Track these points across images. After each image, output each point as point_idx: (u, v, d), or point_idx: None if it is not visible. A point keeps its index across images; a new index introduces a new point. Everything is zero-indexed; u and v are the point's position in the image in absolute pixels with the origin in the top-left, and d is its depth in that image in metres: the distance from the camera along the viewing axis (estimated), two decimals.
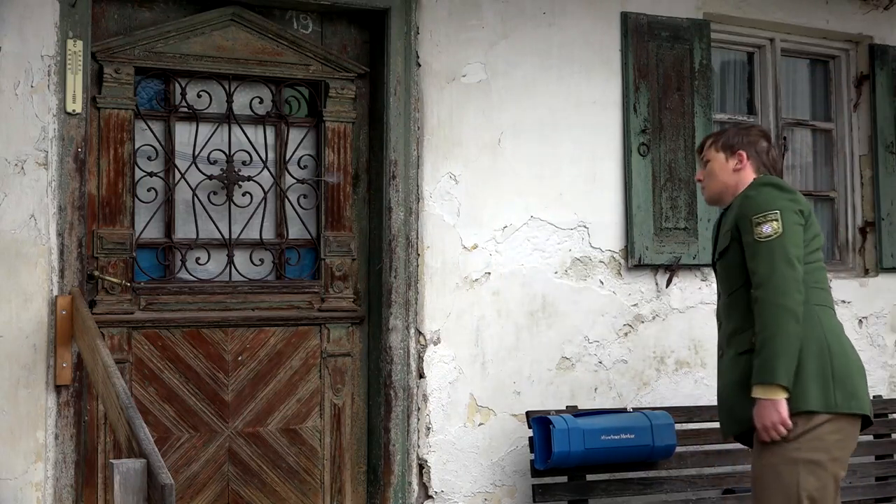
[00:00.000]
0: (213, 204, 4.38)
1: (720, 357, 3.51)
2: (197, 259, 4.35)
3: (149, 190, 4.27)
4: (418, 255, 4.53)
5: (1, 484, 3.79)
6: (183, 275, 4.32)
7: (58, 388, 3.89)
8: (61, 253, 3.92)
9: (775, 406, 3.09)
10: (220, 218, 4.39)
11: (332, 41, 4.62)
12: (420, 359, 4.52)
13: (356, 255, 4.61)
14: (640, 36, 5.02)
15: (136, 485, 2.74)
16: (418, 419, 4.52)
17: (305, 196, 4.55)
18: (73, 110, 3.96)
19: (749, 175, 3.52)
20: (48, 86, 3.93)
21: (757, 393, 3.13)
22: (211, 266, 4.38)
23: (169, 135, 4.33)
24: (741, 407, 3.25)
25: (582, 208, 4.88)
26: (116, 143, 4.18)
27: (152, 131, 4.30)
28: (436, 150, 4.59)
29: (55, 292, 3.90)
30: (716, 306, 3.65)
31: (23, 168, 3.88)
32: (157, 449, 2.87)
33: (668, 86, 5.07)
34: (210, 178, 4.37)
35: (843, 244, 5.73)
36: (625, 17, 5.00)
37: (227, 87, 4.42)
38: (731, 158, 3.54)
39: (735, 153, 3.54)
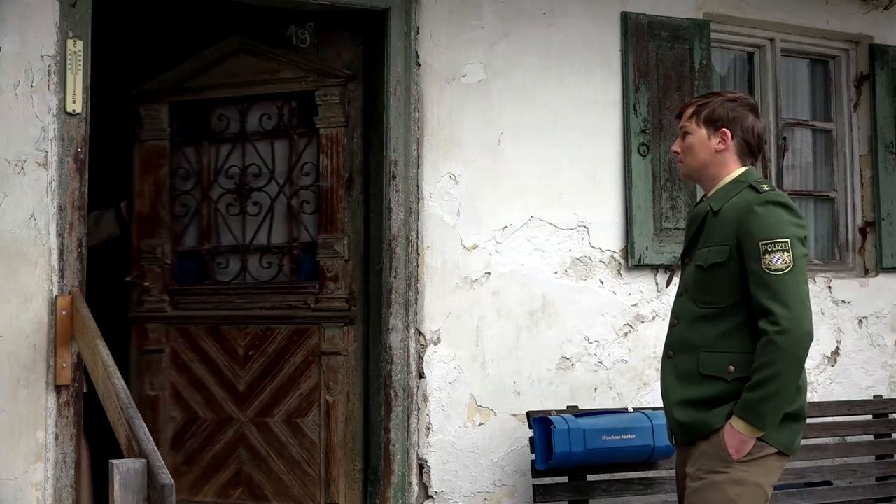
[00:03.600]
0: (230, 214, 4.82)
1: (668, 357, 3.26)
2: (218, 264, 4.82)
3: (183, 205, 4.86)
4: (418, 255, 4.53)
5: (1, 484, 3.78)
6: (207, 278, 4.82)
7: (58, 388, 3.88)
8: (61, 253, 3.92)
9: (752, 440, 3.08)
10: (236, 226, 4.82)
11: (328, 47, 4.71)
12: (420, 359, 4.52)
13: (349, 257, 4.63)
14: (640, 36, 5.02)
15: (136, 485, 2.74)
16: (418, 419, 4.52)
17: (308, 202, 4.71)
18: (74, 110, 3.95)
19: (731, 158, 3.21)
20: (48, 86, 3.92)
21: (739, 427, 3.01)
22: (229, 270, 4.83)
23: (198, 156, 4.85)
24: (702, 423, 3.11)
25: (582, 208, 4.88)
26: (155, 168, 4.84)
27: (184, 155, 4.85)
28: (436, 150, 4.59)
29: (55, 292, 3.89)
30: (674, 303, 3.33)
31: (23, 168, 3.88)
32: (156, 449, 2.87)
33: (668, 86, 5.07)
34: (229, 191, 4.81)
35: (843, 244, 5.72)
36: (625, 17, 5.00)
37: (239, 108, 4.80)
38: (713, 136, 3.19)
39: (718, 131, 3.19)
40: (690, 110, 3.28)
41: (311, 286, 4.65)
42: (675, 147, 3.32)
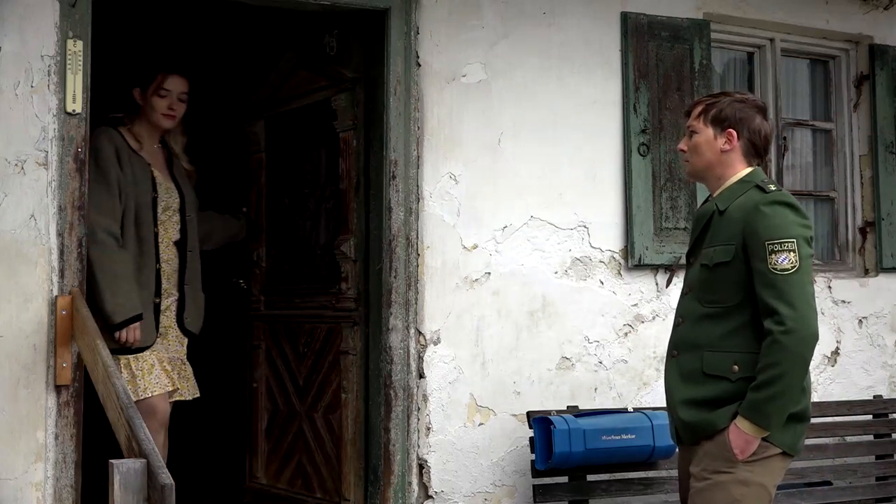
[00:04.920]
0: (297, 219, 5.10)
1: (672, 356, 3.27)
2: (289, 266, 5.13)
3: (272, 212, 5.22)
4: (418, 255, 4.53)
5: (1, 484, 3.79)
6: (285, 279, 5.14)
7: (58, 388, 3.88)
8: (61, 253, 3.92)
9: (756, 440, 3.08)
10: (301, 230, 5.11)
11: (343, 52, 4.74)
12: (420, 359, 4.52)
13: (356, 257, 4.65)
14: (640, 36, 5.02)
15: (136, 485, 2.74)
16: (418, 419, 4.52)
17: (337, 205, 4.81)
18: (73, 110, 3.95)
19: (737, 158, 3.23)
20: (48, 86, 3.92)
21: (744, 427, 3.03)
22: (295, 271, 5.10)
23: (281, 166, 5.18)
24: (706, 423, 3.11)
25: (582, 208, 4.88)
26: (257, 178, 5.31)
27: (273, 165, 5.22)
28: (436, 150, 4.59)
29: (55, 292, 3.89)
30: (678, 302, 3.36)
31: (23, 168, 3.88)
32: (156, 449, 2.87)
33: (668, 86, 5.07)
34: (297, 197, 5.08)
35: (843, 244, 5.72)
36: (625, 17, 5.00)
37: (301, 119, 5.04)
38: (719, 136, 3.22)
39: (725, 131, 3.21)
40: (698, 109, 3.29)
41: (334, 287, 4.75)
42: (682, 145, 3.34)
